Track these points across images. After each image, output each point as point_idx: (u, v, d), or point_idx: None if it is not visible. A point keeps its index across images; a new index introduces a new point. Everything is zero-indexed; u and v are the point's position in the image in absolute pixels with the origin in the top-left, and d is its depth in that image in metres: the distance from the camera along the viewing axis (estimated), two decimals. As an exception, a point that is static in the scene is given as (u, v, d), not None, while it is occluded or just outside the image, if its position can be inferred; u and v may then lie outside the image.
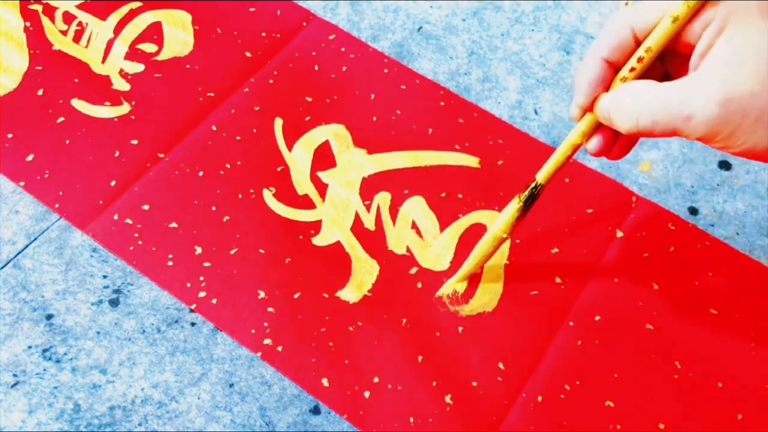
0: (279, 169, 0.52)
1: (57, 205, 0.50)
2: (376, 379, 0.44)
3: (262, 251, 0.49)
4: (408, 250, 0.49)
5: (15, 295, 0.47)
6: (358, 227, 0.50)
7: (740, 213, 0.51)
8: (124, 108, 0.54)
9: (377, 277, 0.48)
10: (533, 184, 0.41)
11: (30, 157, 0.52)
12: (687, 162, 0.53)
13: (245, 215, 0.50)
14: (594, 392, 0.45)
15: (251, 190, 0.51)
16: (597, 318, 0.47)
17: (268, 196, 0.51)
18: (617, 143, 0.37)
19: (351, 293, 0.47)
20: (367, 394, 0.44)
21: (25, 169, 0.51)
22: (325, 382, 0.44)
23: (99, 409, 0.43)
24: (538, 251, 0.49)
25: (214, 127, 0.54)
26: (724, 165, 0.53)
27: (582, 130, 0.37)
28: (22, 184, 0.51)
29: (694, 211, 0.51)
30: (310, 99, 0.56)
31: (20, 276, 0.47)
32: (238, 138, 0.53)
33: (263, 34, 0.59)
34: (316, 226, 0.50)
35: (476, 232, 0.49)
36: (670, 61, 0.35)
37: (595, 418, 0.44)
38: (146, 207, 0.50)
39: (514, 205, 0.42)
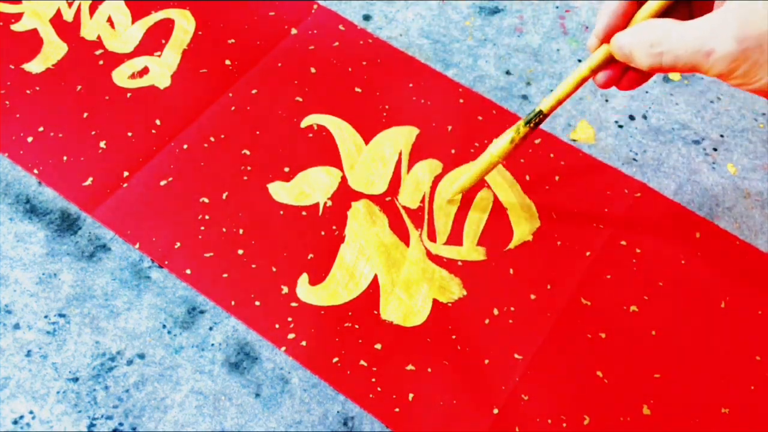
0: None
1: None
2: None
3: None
4: (99, 38, 0.57)
5: None
6: (57, 18, 0.59)
7: (409, 20, 0.59)
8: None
9: (64, 55, 0.57)
10: (536, 112, 0.43)
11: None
12: None
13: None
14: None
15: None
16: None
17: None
18: (627, 75, 0.39)
19: (35, 66, 0.56)
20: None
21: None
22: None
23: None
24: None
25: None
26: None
27: (591, 65, 0.39)
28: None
29: (367, 17, 0.58)
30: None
31: None
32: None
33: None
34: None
35: (165, 25, 0.57)
36: (695, 3, 0.37)
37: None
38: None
39: (512, 134, 0.45)
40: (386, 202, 0.51)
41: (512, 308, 0.48)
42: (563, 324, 0.47)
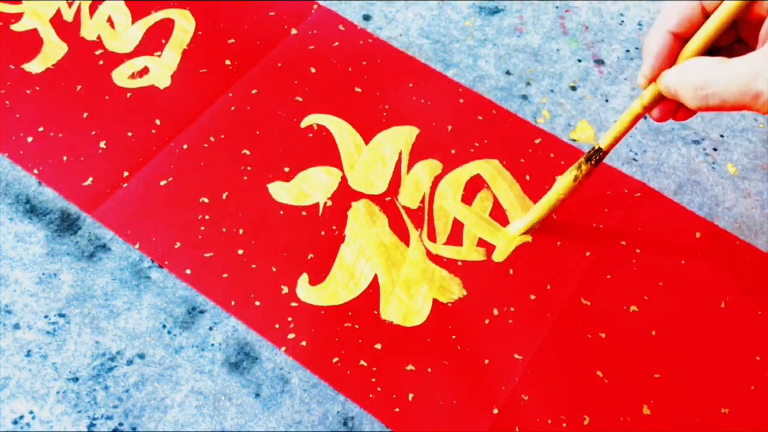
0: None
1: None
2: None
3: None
4: (99, 38, 0.57)
5: None
6: (57, 18, 0.59)
7: (409, 20, 0.59)
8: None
9: (64, 55, 0.57)
10: (594, 149, 0.44)
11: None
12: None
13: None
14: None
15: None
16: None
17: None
18: (681, 109, 0.38)
19: (35, 66, 0.56)
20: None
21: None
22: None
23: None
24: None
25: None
26: None
27: (643, 103, 0.39)
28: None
29: (367, 17, 0.58)
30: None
31: None
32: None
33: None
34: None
35: (165, 25, 0.58)
36: (742, 27, 0.36)
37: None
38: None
39: (574, 172, 0.45)
40: (386, 202, 0.51)
41: (512, 308, 0.48)
42: (563, 324, 0.47)
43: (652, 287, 0.49)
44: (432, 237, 0.50)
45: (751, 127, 0.57)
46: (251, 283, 0.48)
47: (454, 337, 0.46)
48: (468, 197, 0.52)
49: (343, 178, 0.52)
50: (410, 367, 0.45)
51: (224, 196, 0.51)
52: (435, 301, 0.48)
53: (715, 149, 0.56)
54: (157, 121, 0.54)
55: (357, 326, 0.46)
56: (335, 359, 0.45)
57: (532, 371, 0.46)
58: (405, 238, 0.50)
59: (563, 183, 0.46)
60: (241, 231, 0.50)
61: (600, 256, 0.50)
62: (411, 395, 0.44)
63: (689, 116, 0.39)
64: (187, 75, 0.57)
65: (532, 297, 0.48)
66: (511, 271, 0.49)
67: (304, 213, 0.51)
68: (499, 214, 0.51)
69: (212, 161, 0.53)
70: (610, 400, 0.45)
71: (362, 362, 0.45)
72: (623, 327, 0.47)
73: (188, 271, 0.48)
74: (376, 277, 0.48)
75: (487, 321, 0.47)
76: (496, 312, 0.47)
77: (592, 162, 0.44)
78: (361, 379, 0.45)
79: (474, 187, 0.52)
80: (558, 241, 0.50)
